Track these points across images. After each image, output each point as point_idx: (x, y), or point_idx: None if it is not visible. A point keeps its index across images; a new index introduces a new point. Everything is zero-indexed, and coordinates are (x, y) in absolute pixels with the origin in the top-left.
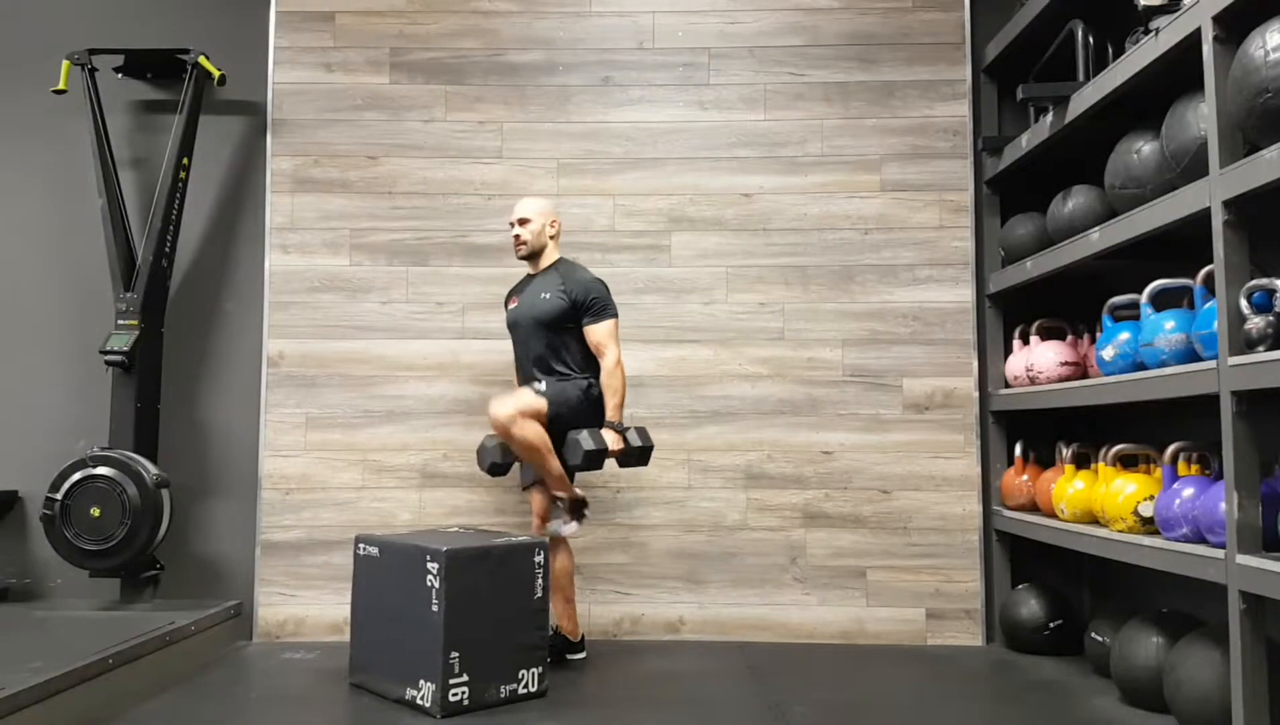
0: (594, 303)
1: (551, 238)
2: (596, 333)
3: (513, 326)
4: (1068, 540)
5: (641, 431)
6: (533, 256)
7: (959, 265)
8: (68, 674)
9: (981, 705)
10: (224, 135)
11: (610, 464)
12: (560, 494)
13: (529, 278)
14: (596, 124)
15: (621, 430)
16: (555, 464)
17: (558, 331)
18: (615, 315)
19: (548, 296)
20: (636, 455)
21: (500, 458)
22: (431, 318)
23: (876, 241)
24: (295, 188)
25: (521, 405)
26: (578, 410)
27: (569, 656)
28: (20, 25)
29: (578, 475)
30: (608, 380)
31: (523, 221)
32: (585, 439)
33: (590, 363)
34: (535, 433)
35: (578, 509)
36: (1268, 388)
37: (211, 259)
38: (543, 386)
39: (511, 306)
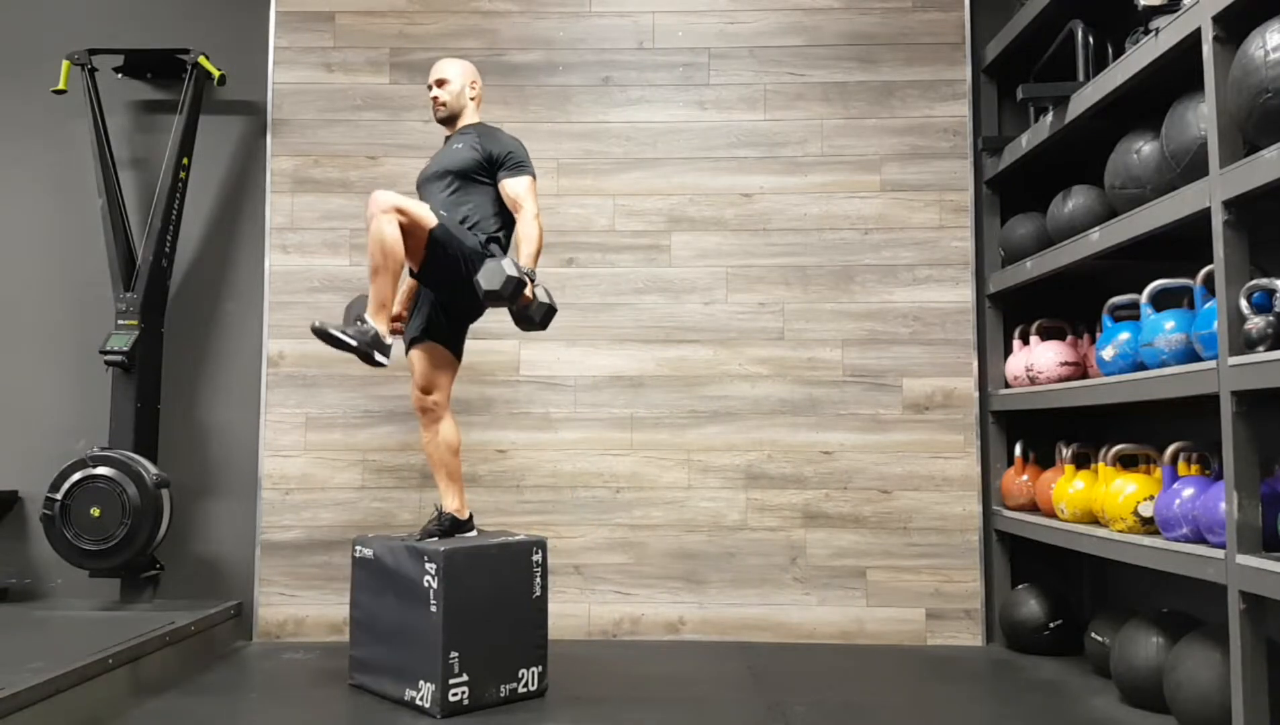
0: (509, 157)
1: (472, 99)
2: (514, 186)
3: (422, 184)
4: (1068, 540)
5: (548, 291)
6: (451, 119)
7: (959, 265)
8: (68, 674)
9: (981, 705)
10: (224, 135)
11: (609, 461)
12: (370, 318)
13: (445, 140)
14: (596, 124)
15: (532, 277)
16: (387, 287)
17: (466, 185)
18: (533, 174)
19: (460, 147)
20: (541, 312)
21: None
22: None
23: (876, 241)
24: (295, 188)
25: (406, 203)
26: (467, 252)
27: (436, 525)
28: (20, 25)
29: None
30: (525, 229)
31: (440, 82)
32: (509, 265)
33: (500, 224)
34: (394, 238)
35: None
36: (1268, 388)
37: (211, 259)
38: (444, 213)
39: (423, 168)
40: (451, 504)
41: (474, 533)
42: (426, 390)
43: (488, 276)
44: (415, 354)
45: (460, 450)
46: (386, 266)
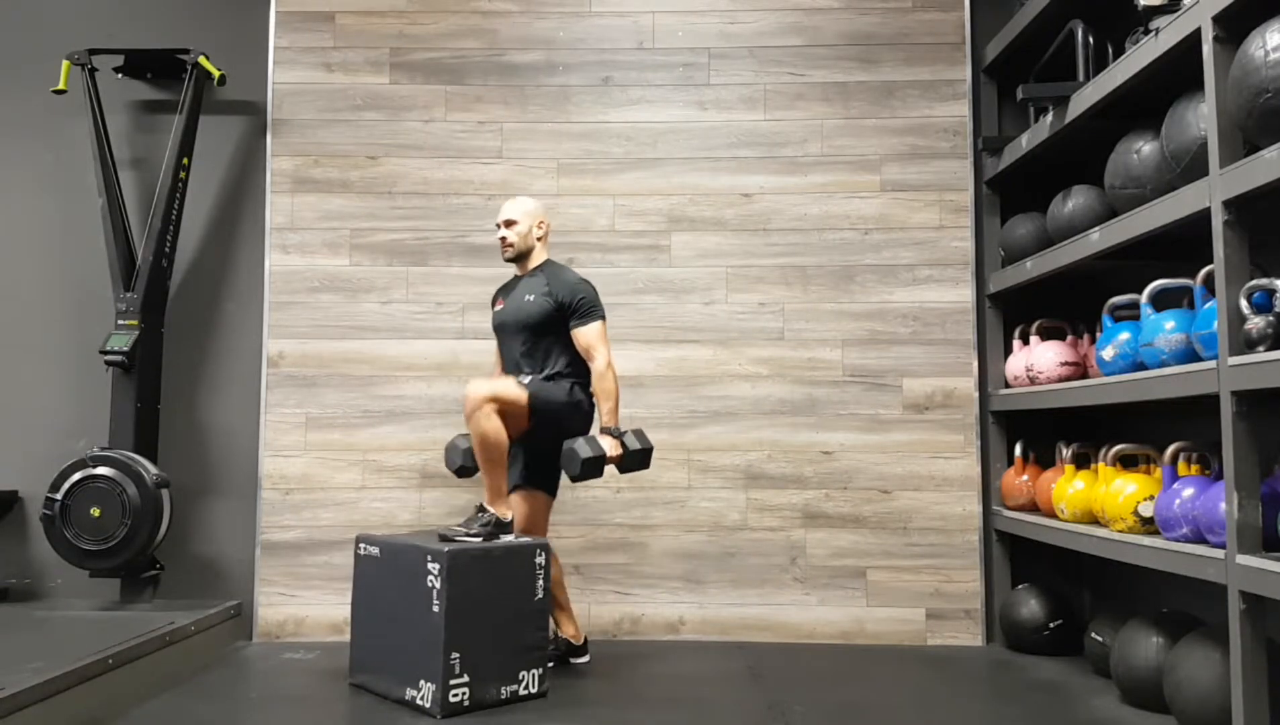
0: (581, 304)
1: (539, 240)
2: (585, 335)
3: (498, 328)
4: (1068, 540)
5: (639, 433)
6: (519, 258)
7: (959, 265)
8: (68, 674)
9: (981, 705)
10: (224, 135)
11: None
12: (490, 507)
13: (516, 279)
14: (596, 124)
15: (618, 435)
16: (500, 476)
17: (542, 335)
18: (603, 317)
19: (532, 298)
20: (637, 459)
21: (470, 461)
22: (431, 318)
23: (876, 241)
24: (295, 188)
25: (498, 390)
26: (560, 411)
27: (574, 661)
28: (20, 25)
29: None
30: (599, 383)
31: (509, 223)
32: (582, 447)
33: (577, 367)
34: (496, 431)
35: (497, 528)
36: (1268, 388)
37: (211, 259)
38: (528, 380)
39: (498, 308)
40: (567, 630)
41: (587, 658)
42: (526, 532)
43: (567, 462)
44: (515, 499)
45: (563, 580)
46: (495, 458)
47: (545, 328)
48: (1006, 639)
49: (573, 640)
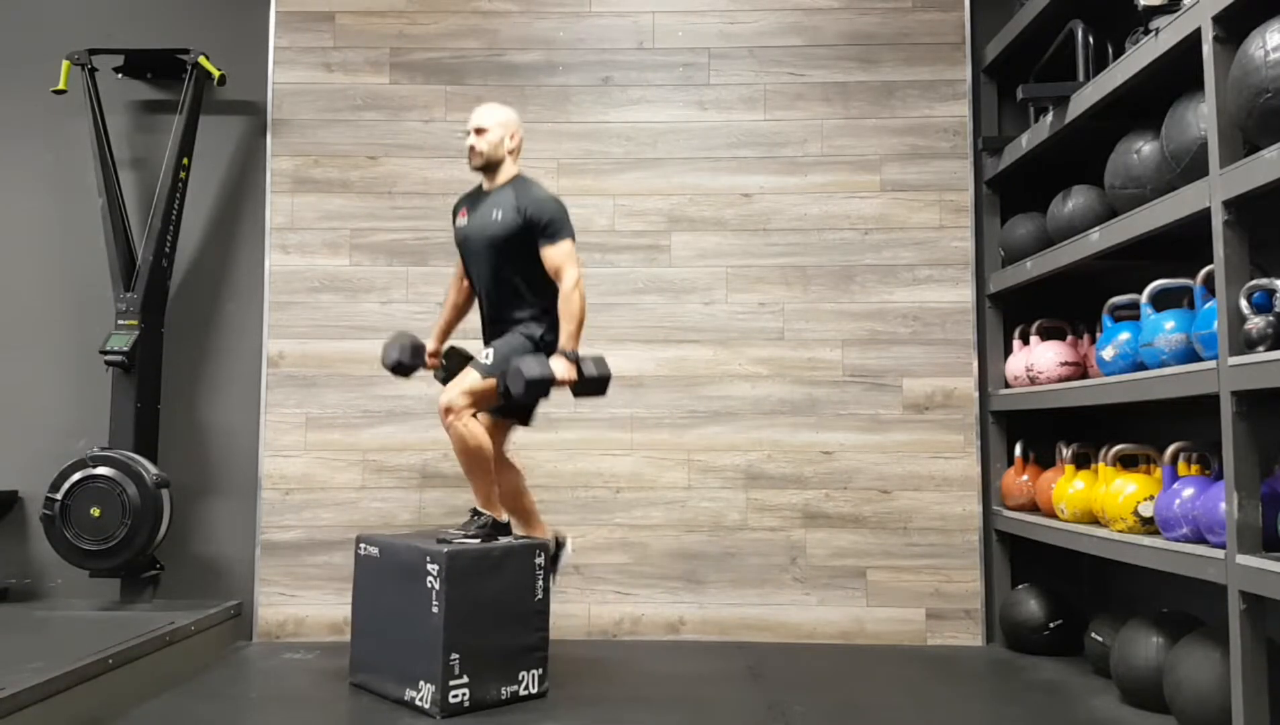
0: (551, 223)
1: (510, 152)
2: (554, 255)
3: (462, 243)
4: (1068, 540)
5: (598, 360)
6: (487, 169)
7: (959, 265)
8: (68, 674)
9: (981, 705)
10: (224, 135)
11: (609, 462)
12: (485, 510)
13: (482, 192)
14: (596, 124)
15: (575, 358)
16: (488, 482)
17: (511, 257)
18: (572, 236)
19: (500, 216)
20: (593, 385)
21: (407, 357)
22: (431, 318)
23: (876, 241)
24: (295, 188)
25: (460, 392)
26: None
27: (562, 559)
28: (20, 25)
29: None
30: (564, 304)
31: (479, 131)
32: (529, 365)
33: (548, 293)
34: (474, 435)
35: (494, 530)
36: (1268, 388)
37: (211, 259)
38: (488, 358)
39: (460, 221)
40: (542, 534)
41: (570, 549)
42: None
43: (512, 380)
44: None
45: (525, 488)
46: (478, 464)
47: (513, 248)
48: (1006, 639)
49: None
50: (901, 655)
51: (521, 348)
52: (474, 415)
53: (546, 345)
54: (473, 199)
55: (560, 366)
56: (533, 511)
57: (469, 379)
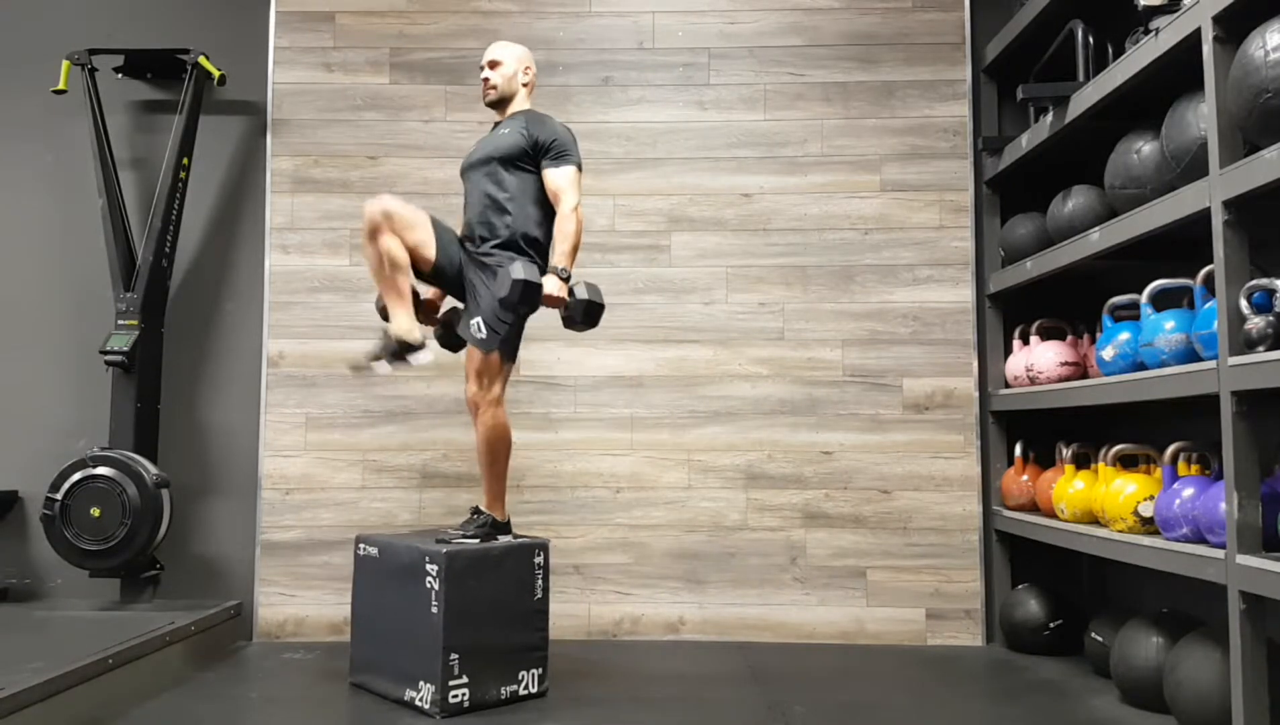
0: (556, 145)
1: (524, 85)
2: (556, 177)
3: (467, 168)
4: (1068, 540)
5: (592, 286)
6: (500, 103)
7: (959, 265)
8: (68, 674)
9: (981, 705)
10: (224, 135)
11: (609, 462)
12: (488, 510)
13: (494, 126)
14: (596, 124)
15: (566, 277)
16: (501, 480)
17: (509, 172)
18: (579, 165)
19: (507, 132)
20: (584, 311)
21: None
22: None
23: (876, 241)
24: (295, 188)
25: (477, 371)
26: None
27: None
28: (20, 25)
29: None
30: (561, 224)
31: (493, 64)
32: (518, 268)
33: (536, 233)
34: (502, 429)
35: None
36: (1268, 388)
37: (211, 259)
38: (480, 331)
39: (470, 150)
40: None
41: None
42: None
43: (500, 284)
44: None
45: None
46: (498, 458)
47: (513, 163)
48: (1006, 639)
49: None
50: (901, 655)
51: (504, 284)
52: (500, 402)
53: (535, 243)
54: (483, 138)
55: (552, 282)
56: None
57: (474, 362)
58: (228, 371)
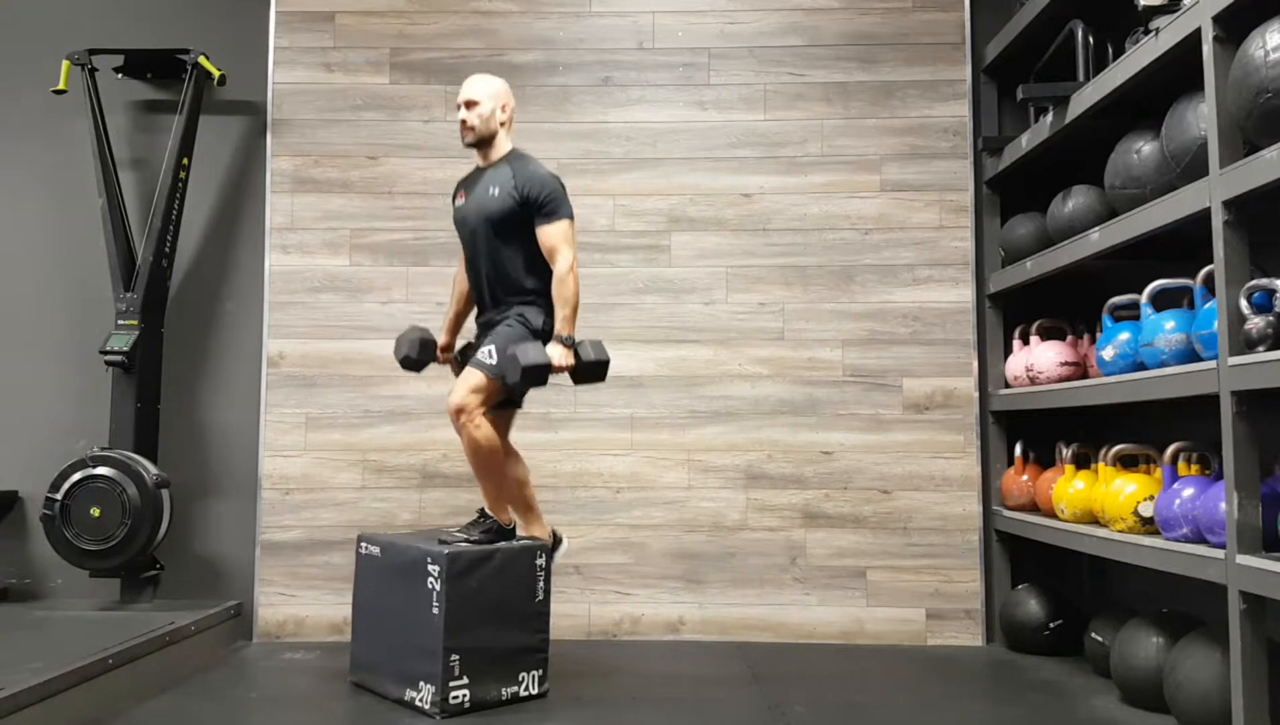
0: (548, 200)
1: (502, 124)
2: (549, 234)
3: (460, 224)
4: (1068, 540)
5: (596, 344)
6: (481, 144)
7: (959, 265)
8: (68, 674)
9: (981, 705)
10: (224, 135)
11: (609, 462)
12: (492, 513)
13: (478, 171)
14: (596, 124)
15: (571, 343)
16: (498, 483)
17: (507, 235)
18: (570, 216)
19: (496, 192)
20: (591, 370)
21: (416, 352)
22: (432, 318)
23: (876, 241)
24: (295, 188)
25: (467, 392)
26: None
27: (555, 554)
28: (20, 25)
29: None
30: (558, 288)
31: (469, 104)
32: (525, 352)
33: (546, 275)
34: (487, 438)
35: (497, 535)
36: (1268, 388)
37: (211, 259)
38: (491, 356)
39: (459, 202)
40: (539, 533)
41: (565, 546)
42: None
43: (508, 369)
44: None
45: (528, 482)
46: (491, 466)
47: (510, 226)
48: (1006, 639)
49: (542, 537)
50: (901, 655)
51: (519, 338)
52: (485, 414)
53: (544, 333)
54: (470, 180)
55: (557, 352)
56: (533, 505)
57: (474, 378)
58: (228, 371)
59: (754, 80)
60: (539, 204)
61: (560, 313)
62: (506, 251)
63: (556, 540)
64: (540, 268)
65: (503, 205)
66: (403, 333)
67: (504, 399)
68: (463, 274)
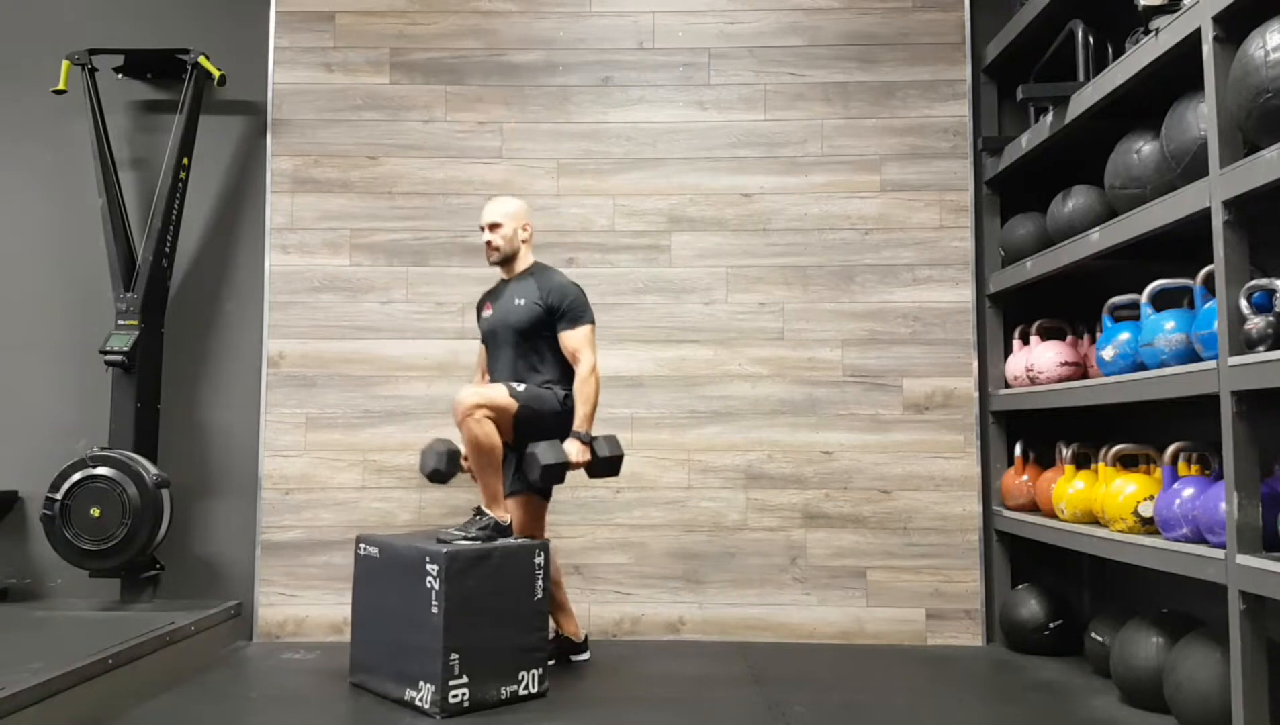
0: (571, 308)
1: (524, 242)
2: (572, 339)
3: (488, 335)
4: (1068, 540)
5: (610, 440)
6: (505, 262)
7: (959, 265)
8: (68, 674)
9: (981, 705)
10: (224, 135)
11: None
12: (488, 510)
13: (503, 283)
14: (596, 124)
15: (588, 440)
16: (495, 480)
17: (533, 339)
18: (592, 321)
19: (522, 303)
20: (604, 465)
21: (444, 465)
22: (431, 318)
23: (876, 241)
24: (295, 188)
25: (488, 397)
26: (549, 420)
27: (574, 658)
28: (20, 25)
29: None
30: (580, 387)
31: (493, 227)
32: (544, 451)
33: (567, 375)
34: (488, 435)
35: (495, 532)
36: (1268, 388)
37: (211, 259)
38: (520, 388)
39: (486, 313)
40: (567, 628)
41: (587, 654)
42: (524, 534)
43: (528, 466)
44: (510, 504)
45: (562, 579)
46: (489, 463)
47: (535, 332)
48: (1006, 639)
49: (573, 638)
50: (901, 655)
51: (550, 404)
52: (488, 418)
53: (565, 405)
54: (494, 292)
55: (574, 449)
56: (565, 603)
57: (498, 391)
58: (228, 371)
59: (754, 80)
60: (562, 312)
61: (581, 410)
62: (533, 356)
63: (583, 644)
64: (560, 361)
65: (530, 312)
66: (427, 445)
67: (525, 486)
68: (478, 376)
